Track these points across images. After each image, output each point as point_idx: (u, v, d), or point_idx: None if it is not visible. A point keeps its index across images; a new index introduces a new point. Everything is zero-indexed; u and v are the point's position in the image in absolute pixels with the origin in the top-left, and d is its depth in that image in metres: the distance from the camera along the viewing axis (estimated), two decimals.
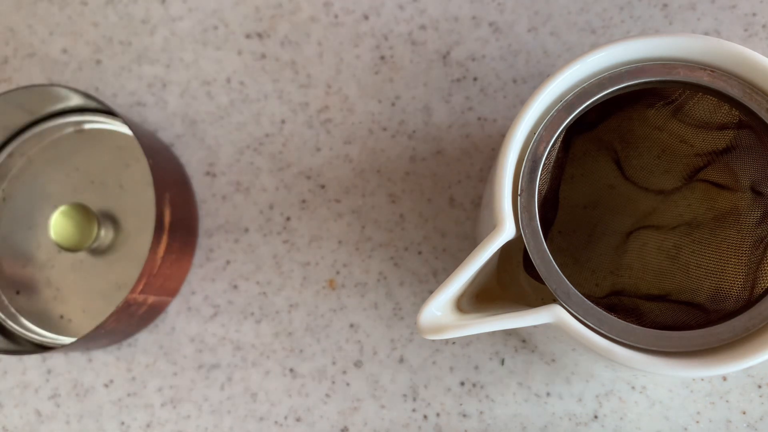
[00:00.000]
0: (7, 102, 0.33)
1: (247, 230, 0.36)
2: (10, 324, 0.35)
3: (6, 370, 0.36)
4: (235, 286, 0.35)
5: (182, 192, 0.35)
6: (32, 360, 0.35)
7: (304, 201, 0.36)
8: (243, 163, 0.36)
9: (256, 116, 0.37)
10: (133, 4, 0.38)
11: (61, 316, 0.35)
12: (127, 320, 0.32)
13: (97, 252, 0.35)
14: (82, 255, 0.35)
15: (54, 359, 0.35)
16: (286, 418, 0.34)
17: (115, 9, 0.38)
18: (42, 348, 0.34)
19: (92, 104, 0.35)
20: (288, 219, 0.36)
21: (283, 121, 0.36)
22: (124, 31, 0.38)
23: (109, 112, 0.35)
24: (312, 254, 0.35)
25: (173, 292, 0.35)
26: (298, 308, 0.35)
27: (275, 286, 0.35)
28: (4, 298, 0.35)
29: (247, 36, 0.37)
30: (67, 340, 0.35)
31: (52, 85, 0.33)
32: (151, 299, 0.33)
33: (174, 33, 0.38)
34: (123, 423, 0.35)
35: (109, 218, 0.35)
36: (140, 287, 0.31)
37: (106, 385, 0.35)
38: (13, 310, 0.35)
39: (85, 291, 0.35)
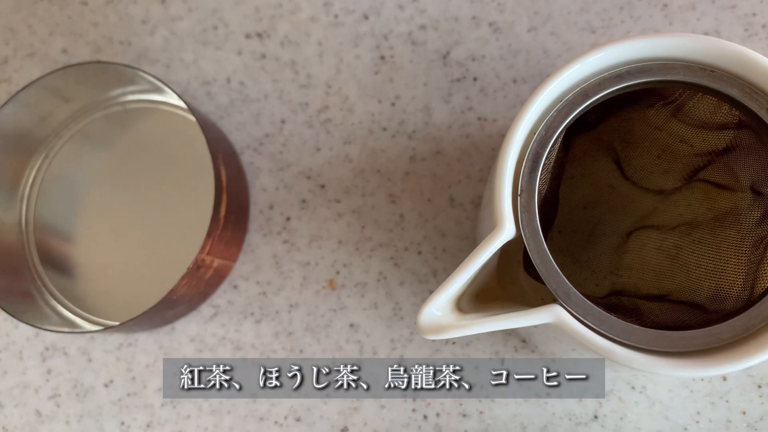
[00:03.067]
0: (82, 73, 0.33)
1: (247, 230, 0.36)
2: (71, 306, 0.35)
3: (6, 370, 0.36)
4: (235, 286, 0.35)
5: (231, 155, 0.35)
6: (32, 360, 0.35)
7: (304, 201, 0.36)
8: (243, 163, 0.36)
9: (256, 116, 0.37)
10: (133, 4, 0.38)
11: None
12: (196, 285, 0.33)
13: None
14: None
15: (54, 359, 0.35)
16: (286, 418, 0.34)
17: (115, 9, 0.38)
18: (104, 326, 0.34)
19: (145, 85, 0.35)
20: (288, 219, 0.36)
21: (283, 121, 0.36)
22: (124, 31, 0.38)
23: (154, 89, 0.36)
24: (312, 254, 0.35)
25: (233, 257, 0.35)
26: (298, 308, 0.35)
27: (275, 286, 0.35)
28: (50, 284, 0.35)
29: (247, 36, 0.37)
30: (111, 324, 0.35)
31: (98, 62, 0.33)
32: (216, 262, 0.33)
33: (174, 33, 0.38)
34: (123, 423, 0.35)
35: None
36: (207, 248, 0.31)
37: (106, 385, 0.35)
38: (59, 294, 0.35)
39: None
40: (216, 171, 0.32)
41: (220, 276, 0.35)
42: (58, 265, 0.36)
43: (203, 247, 0.31)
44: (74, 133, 0.37)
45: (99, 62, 0.33)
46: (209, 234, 0.31)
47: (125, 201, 0.35)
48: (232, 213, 0.33)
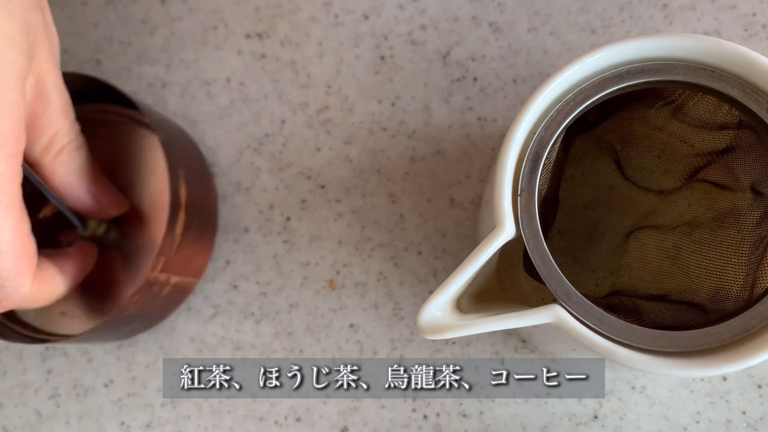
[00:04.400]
0: None
1: (247, 230, 0.36)
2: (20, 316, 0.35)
3: (6, 370, 0.36)
4: (235, 286, 0.35)
5: (198, 171, 0.35)
6: (32, 360, 0.35)
7: (304, 201, 0.36)
8: (243, 163, 0.36)
9: (256, 116, 0.37)
10: (133, 4, 0.38)
11: (63, 313, 0.35)
12: (152, 301, 0.32)
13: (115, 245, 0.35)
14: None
15: (54, 359, 0.35)
16: (286, 418, 0.34)
17: (115, 9, 0.38)
18: (63, 336, 0.33)
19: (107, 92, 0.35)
20: (288, 219, 0.36)
21: (283, 121, 0.36)
22: (124, 31, 0.38)
23: (118, 100, 0.35)
24: (312, 254, 0.35)
25: (197, 273, 0.35)
26: (298, 308, 0.35)
27: (275, 286, 0.35)
28: None
29: (247, 36, 0.37)
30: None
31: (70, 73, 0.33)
32: (174, 279, 0.33)
33: (174, 33, 0.38)
34: (123, 423, 0.35)
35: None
36: (160, 266, 0.31)
37: (106, 385, 0.35)
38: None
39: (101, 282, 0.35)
40: (173, 189, 0.31)
41: (181, 292, 0.34)
42: None
43: (154, 266, 0.31)
44: None
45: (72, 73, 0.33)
46: (161, 252, 0.31)
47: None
48: (192, 230, 0.33)
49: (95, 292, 0.35)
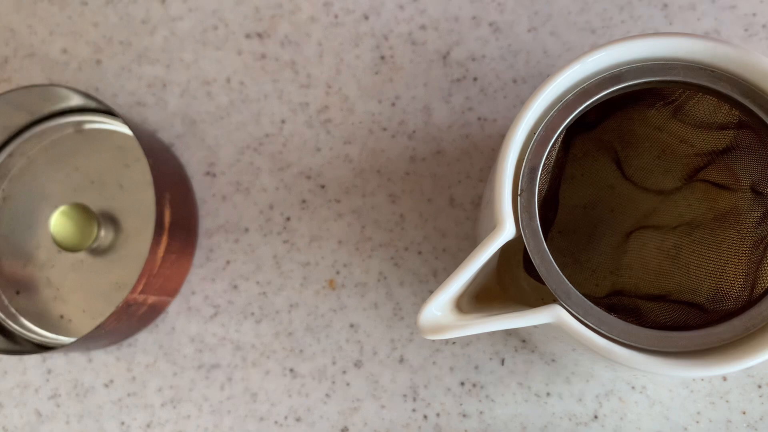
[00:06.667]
0: (7, 102, 0.33)
1: (247, 230, 0.36)
2: (10, 324, 0.35)
3: (6, 370, 0.36)
4: (235, 286, 0.35)
5: (182, 192, 0.35)
6: (32, 360, 0.35)
7: (304, 201, 0.36)
8: (243, 163, 0.36)
9: (256, 116, 0.37)
10: (133, 4, 0.38)
11: (61, 316, 0.35)
12: (127, 320, 0.32)
13: (97, 252, 0.35)
14: (82, 255, 0.35)
15: (54, 359, 0.35)
16: (286, 418, 0.34)
17: (115, 9, 0.38)
18: (42, 348, 0.34)
19: (92, 104, 0.35)
20: (288, 219, 0.36)
21: (283, 121, 0.36)
22: (124, 31, 0.38)
23: (109, 112, 0.35)
24: (312, 254, 0.35)
25: (173, 292, 0.35)
26: (298, 308, 0.35)
27: (275, 286, 0.35)
28: (4, 298, 0.35)
29: (247, 36, 0.37)
30: (67, 340, 0.35)
31: (52, 85, 0.33)
32: (151, 299, 0.33)
33: (174, 33, 0.38)
34: (123, 423, 0.35)
35: (109, 218, 0.35)
36: (140, 287, 0.31)
37: (106, 385, 0.35)
38: (13, 310, 0.35)
39: (85, 291, 0.35)
40: (159, 212, 0.31)
41: (155, 311, 0.34)
42: (15, 286, 0.35)
43: (134, 288, 0.31)
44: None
45: (52, 84, 0.33)
46: (142, 274, 0.31)
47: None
48: (173, 252, 0.33)
49: (92, 296, 0.35)
